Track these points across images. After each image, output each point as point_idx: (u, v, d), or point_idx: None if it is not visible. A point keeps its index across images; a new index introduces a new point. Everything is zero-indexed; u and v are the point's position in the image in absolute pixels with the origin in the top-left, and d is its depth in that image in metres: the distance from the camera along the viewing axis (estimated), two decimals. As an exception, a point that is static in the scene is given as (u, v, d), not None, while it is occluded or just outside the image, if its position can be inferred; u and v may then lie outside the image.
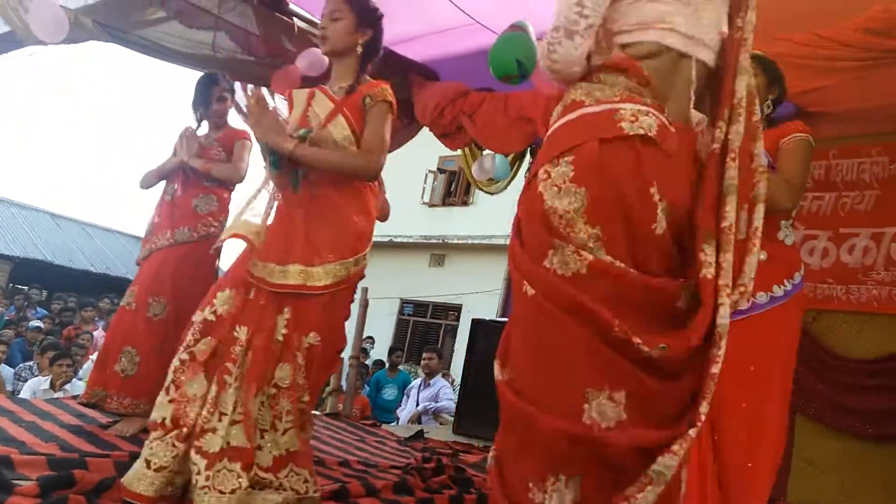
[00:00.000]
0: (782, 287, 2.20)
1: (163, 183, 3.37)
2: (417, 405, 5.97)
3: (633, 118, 1.35)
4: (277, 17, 4.05)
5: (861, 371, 3.62)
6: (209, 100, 3.42)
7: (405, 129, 5.23)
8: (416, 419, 5.81)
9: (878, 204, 3.70)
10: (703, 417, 1.25)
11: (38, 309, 8.53)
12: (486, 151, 5.12)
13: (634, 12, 1.44)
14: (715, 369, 1.27)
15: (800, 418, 3.80)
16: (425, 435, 4.29)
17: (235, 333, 2.00)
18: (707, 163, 1.41)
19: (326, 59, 3.90)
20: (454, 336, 12.41)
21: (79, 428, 2.91)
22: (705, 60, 1.46)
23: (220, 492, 1.85)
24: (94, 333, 7.21)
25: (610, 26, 1.45)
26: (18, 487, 1.84)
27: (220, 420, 1.92)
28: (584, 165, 1.34)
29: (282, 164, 2.12)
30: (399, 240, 12.95)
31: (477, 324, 5.00)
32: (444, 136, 4.67)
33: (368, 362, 8.27)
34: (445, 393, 6.00)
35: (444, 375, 6.82)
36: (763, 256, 1.59)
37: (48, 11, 3.12)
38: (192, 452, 1.90)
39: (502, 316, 5.50)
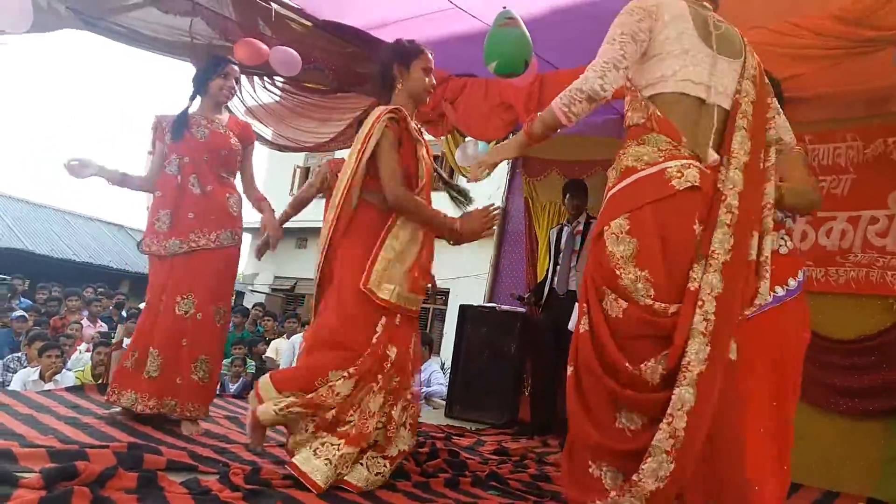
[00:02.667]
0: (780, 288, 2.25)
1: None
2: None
3: (679, 174, 1.77)
4: (254, 1, 4.04)
5: (842, 350, 3.72)
6: (215, 75, 3.22)
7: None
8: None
9: (854, 188, 3.78)
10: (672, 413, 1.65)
11: (22, 299, 8.47)
12: (469, 137, 5.15)
13: (655, 68, 1.84)
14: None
15: (784, 397, 3.92)
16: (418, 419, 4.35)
17: (388, 352, 2.42)
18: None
19: (299, 60, 3.96)
20: (442, 320, 12.48)
21: (75, 420, 2.95)
22: (722, 105, 1.86)
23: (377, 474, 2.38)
24: (82, 323, 7.20)
25: (637, 83, 1.89)
26: (22, 480, 1.88)
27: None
28: (638, 222, 1.76)
29: None
30: None
31: (465, 309, 5.07)
32: (426, 124, 4.70)
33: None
34: (437, 377, 6.07)
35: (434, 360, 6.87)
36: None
37: (13, 1, 3.10)
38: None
39: (489, 301, 5.57)
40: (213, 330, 3.13)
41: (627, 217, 1.78)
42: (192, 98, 3.25)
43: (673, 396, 1.64)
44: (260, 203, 3.31)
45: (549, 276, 4.62)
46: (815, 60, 3.11)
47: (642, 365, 1.71)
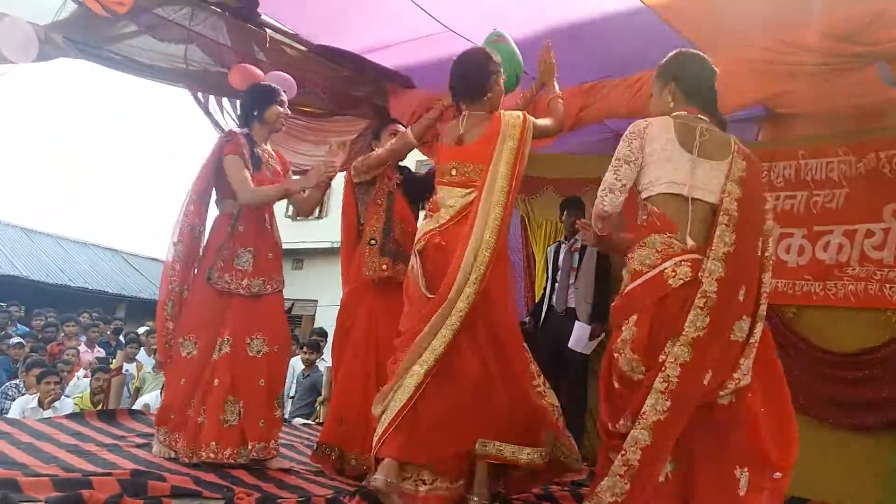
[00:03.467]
0: None
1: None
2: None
3: (673, 272, 2.11)
4: (249, 28, 4.08)
5: (842, 364, 3.72)
6: (275, 102, 3.19)
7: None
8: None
9: (849, 202, 3.81)
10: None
11: (19, 325, 8.44)
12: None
13: (645, 175, 2.25)
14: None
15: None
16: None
17: None
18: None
19: (294, 84, 3.99)
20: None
21: (77, 447, 2.94)
22: (706, 200, 2.19)
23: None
24: (79, 349, 7.18)
25: (637, 189, 2.28)
26: (28, 510, 1.88)
27: None
28: (643, 319, 2.12)
29: None
30: None
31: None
32: (422, 144, 4.74)
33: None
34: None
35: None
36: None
37: (19, 32, 3.12)
38: None
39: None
40: (283, 367, 3.17)
41: (636, 316, 2.14)
42: (244, 125, 3.20)
43: (629, 436, 2.03)
44: None
45: (548, 294, 4.63)
46: (805, 77, 3.15)
47: (619, 420, 2.13)
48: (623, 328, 2.16)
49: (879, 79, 3.05)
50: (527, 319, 4.78)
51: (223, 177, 3.07)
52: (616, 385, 2.17)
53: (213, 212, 3.24)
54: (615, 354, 2.17)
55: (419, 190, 3.38)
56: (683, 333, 2.04)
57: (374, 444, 2.46)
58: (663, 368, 2.03)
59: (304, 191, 3.19)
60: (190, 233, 3.08)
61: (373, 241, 3.15)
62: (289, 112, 3.24)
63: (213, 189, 3.16)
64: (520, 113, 2.73)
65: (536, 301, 4.96)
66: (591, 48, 3.78)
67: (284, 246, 3.37)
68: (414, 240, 2.84)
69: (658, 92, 2.43)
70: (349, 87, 4.59)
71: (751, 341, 2.10)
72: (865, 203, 3.74)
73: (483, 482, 2.52)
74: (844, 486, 3.59)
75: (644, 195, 2.27)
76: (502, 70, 2.81)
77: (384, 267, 3.11)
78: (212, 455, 2.83)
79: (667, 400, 2.00)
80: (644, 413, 2.01)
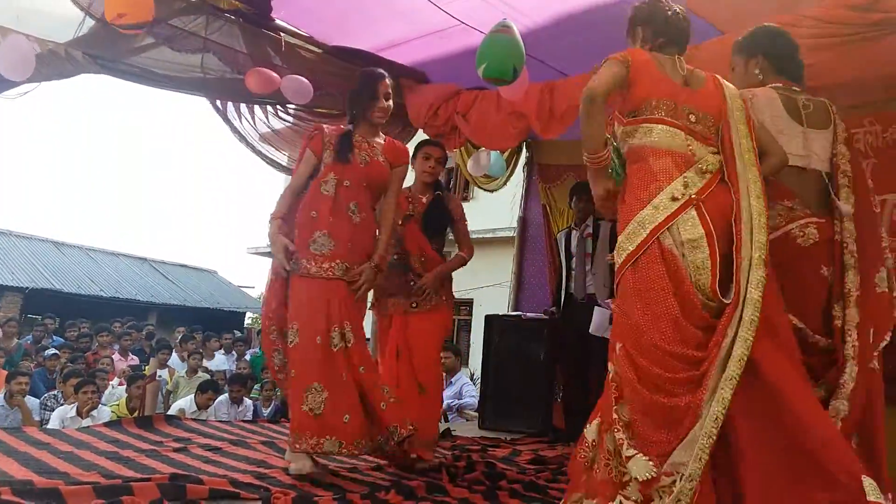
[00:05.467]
0: None
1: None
2: (441, 404, 6.02)
3: (801, 233, 2.17)
4: (264, 33, 4.11)
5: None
6: (374, 96, 3.06)
7: (400, 134, 5.30)
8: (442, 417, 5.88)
9: (876, 172, 3.73)
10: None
11: (55, 337, 8.62)
12: (482, 148, 5.18)
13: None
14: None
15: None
16: (452, 433, 4.36)
17: None
18: None
19: (310, 87, 3.96)
20: (468, 331, 12.49)
21: (116, 454, 2.99)
22: (817, 168, 2.26)
23: None
24: (113, 358, 7.31)
25: None
26: (72, 518, 1.92)
27: None
28: (778, 279, 2.01)
29: None
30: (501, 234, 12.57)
31: (491, 319, 5.07)
32: (438, 138, 4.74)
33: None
34: (468, 390, 6.06)
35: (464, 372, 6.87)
36: None
37: (16, 51, 3.18)
38: None
39: (514, 309, 5.57)
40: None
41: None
42: (351, 121, 3.14)
43: (830, 408, 2.00)
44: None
45: (565, 281, 4.60)
46: (827, 49, 3.09)
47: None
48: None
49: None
50: (553, 309, 4.77)
51: None
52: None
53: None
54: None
55: (439, 225, 3.52)
56: (849, 295, 2.09)
57: None
58: (847, 333, 2.06)
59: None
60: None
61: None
62: (387, 105, 3.10)
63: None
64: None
65: (553, 290, 4.95)
66: (607, 33, 3.72)
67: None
68: (428, 262, 3.20)
69: (743, 67, 2.43)
70: (365, 84, 4.61)
71: (879, 290, 2.14)
72: (892, 173, 3.67)
73: None
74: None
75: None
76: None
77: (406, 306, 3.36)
78: (334, 449, 2.73)
79: (856, 365, 2.04)
80: (843, 383, 2.02)
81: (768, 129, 2.19)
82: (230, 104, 4.38)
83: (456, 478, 2.87)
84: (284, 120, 4.62)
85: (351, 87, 3.23)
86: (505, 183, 5.67)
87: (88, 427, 3.85)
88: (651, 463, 1.78)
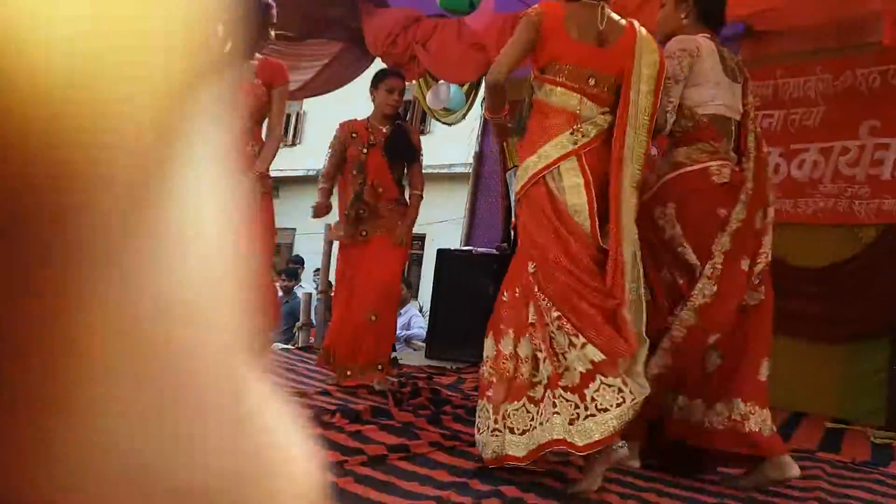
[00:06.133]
0: None
1: None
2: (394, 332, 6.08)
3: (718, 171, 2.34)
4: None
5: (810, 279, 3.81)
6: (375, 88, 3.42)
7: (357, 62, 5.17)
8: (391, 346, 5.96)
9: (825, 120, 3.82)
10: None
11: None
12: (441, 80, 5.09)
13: (696, 94, 2.37)
14: None
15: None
16: (399, 361, 4.43)
17: None
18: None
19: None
20: (420, 265, 12.53)
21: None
22: (733, 117, 2.43)
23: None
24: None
25: (686, 102, 2.37)
26: None
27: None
28: (682, 207, 2.32)
29: None
30: (457, 170, 12.49)
31: (442, 254, 5.10)
32: (397, 67, 4.64)
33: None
34: (416, 321, 6.13)
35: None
36: None
37: None
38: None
39: (466, 245, 5.60)
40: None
41: (672, 204, 2.33)
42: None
43: (676, 317, 2.24)
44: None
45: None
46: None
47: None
48: (657, 212, 2.35)
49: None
50: (504, 245, 4.82)
51: None
52: (679, 281, 2.31)
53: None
54: (678, 248, 2.31)
55: (402, 155, 3.45)
56: (728, 225, 2.28)
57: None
58: (712, 256, 2.26)
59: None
60: None
61: (347, 213, 3.37)
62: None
63: None
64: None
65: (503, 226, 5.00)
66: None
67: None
68: (386, 195, 3.16)
69: (672, 6, 2.44)
70: (323, 7, 4.46)
71: (766, 221, 2.39)
72: (842, 121, 3.76)
73: None
74: (811, 395, 3.75)
75: (698, 110, 2.37)
76: None
77: (355, 238, 3.39)
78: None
79: (714, 285, 2.23)
80: (692, 296, 2.24)
81: (710, 75, 2.37)
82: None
83: (401, 402, 2.92)
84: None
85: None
86: (463, 117, 5.61)
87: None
88: (597, 348, 2.00)
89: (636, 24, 2.26)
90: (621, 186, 2.12)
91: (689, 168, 2.35)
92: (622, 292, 2.06)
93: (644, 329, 2.11)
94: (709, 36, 2.41)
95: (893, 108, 3.63)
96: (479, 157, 5.86)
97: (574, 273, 2.08)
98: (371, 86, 3.47)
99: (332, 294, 3.92)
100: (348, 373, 3.32)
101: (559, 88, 2.20)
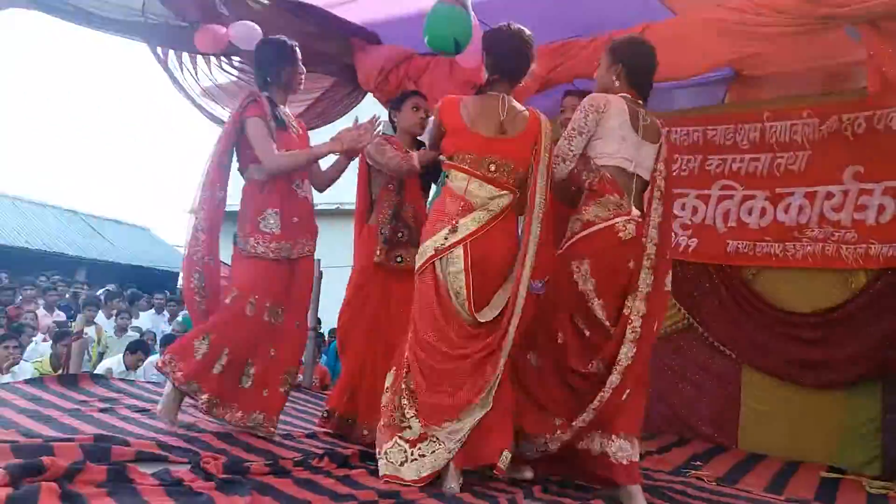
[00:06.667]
0: None
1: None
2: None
3: (623, 228, 2.52)
4: (211, -22, 3.94)
5: (801, 324, 3.83)
6: (288, 63, 3.00)
7: (349, 97, 5.18)
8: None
9: (811, 164, 3.87)
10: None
11: (-26, 289, 8.21)
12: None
13: (601, 147, 2.57)
14: None
15: (747, 369, 4.02)
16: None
17: None
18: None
19: (260, 33, 3.78)
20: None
21: (37, 413, 2.87)
22: (642, 176, 2.61)
23: None
24: (38, 313, 7.02)
25: (591, 154, 2.59)
26: (-14, 477, 1.83)
27: None
28: (596, 263, 2.52)
29: None
30: (347, 206, 12.71)
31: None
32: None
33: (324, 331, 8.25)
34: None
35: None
36: None
37: None
38: None
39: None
40: (301, 341, 3.07)
41: (588, 260, 2.52)
42: (263, 85, 3.00)
43: (608, 380, 2.44)
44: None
45: None
46: (774, 39, 3.15)
47: (591, 363, 2.53)
48: (574, 266, 2.53)
49: (847, 34, 3.07)
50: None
51: (246, 141, 2.90)
52: (586, 333, 2.54)
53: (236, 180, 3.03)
54: (588, 303, 2.52)
55: (433, 175, 3.31)
56: (639, 290, 2.49)
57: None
58: (630, 321, 2.46)
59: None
60: (211, 199, 2.92)
61: (382, 232, 3.11)
62: (303, 70, 3.07)
63: (235, 154, 2.99)
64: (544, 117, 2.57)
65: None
66: (565, 6, 3.72)
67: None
68: (422, 223, 2.74)
69: (606, 67, 2.69)
70: (315, 43, 4.46)
71: (666, 289, 2.58)
72: (827, 165, 3.81)
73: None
74: (806, 442, 3.74)
75: (599, 162, 2.57)
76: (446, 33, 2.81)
77: (390, 257, 3.11)
78: (229, 416, 2.82)
79: (634, 347, 2.43)
80: (619, 360, 2.43)
81: (616, 131, 2.55)
82: (172, 53, 4.19)
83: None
84: (228, 73, 4.45)
85: (263, 55, 3.05)
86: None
87: (8, 383, 3.69)
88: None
89: (538, 113, 2.55)
90: (523, 269, 2.41)
91: (598, 227, 2.52)
92: (497, 357, 2.38)
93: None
94: (629, 97, 2.61)
95: (877, 153, 3.69)
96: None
97: (435, 347, 2.42)
98: (392, 108, 3.38)
99: (338, 339, 3.50)
100: (365, 432, 2.99)
101: (461, 174, 2.49)
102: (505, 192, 2.48)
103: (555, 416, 2.56)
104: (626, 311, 2.49)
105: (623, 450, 2.44)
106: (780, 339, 3.87)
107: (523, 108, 2.56)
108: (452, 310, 2.45)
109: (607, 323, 2.53)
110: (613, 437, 2.46)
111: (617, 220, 2.52)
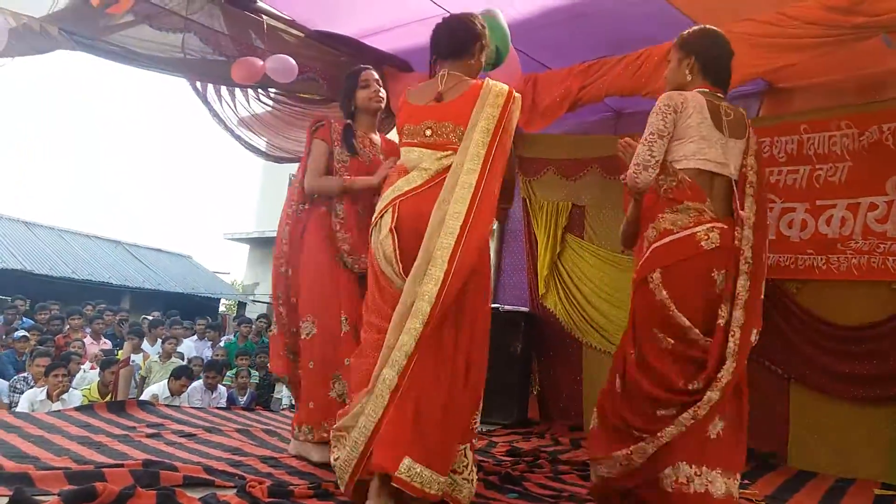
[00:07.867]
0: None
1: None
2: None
3: (706, 236, 2.31)
4: (246, 15, 4.06)
5: (849, 338, 3.73)
6: (356, 87, 3.06)
7: (383, 123, 5.26)
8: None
9: (851, 175, 3.79)
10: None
11: (25, 319, 8.46)
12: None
13: (679, 149, 2.37)
14: None
15: (795, 385, 3.92)
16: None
17: None
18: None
19: (295, 66, 3.86)
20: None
21: (87, 439, 2.95)
22: (726, 174, 2.38)
23: None
24: (84, 341, 7.20)
25: (668, 158, 2.38)
26: (42, 503, 1.89)
27: None
28: (671, 275, 2.31)
29: None
30: None
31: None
32: (340, 92, 4.72)
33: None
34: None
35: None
36: None
37: None
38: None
39: (493, 302, 5.55)
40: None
41: (659, 270, 2.33)
42: (347, 115, 3.11)
43: (705, 396, 2.22)
44: None
45: None
46: (807, 49, 3.12)
47: (689, 383, 2.27)
48: (648, 280, 2.35)
49: (883, 43, 3.03)
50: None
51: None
52: (672, 342, 2.30)
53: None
54: (670, 315, 2.29)
55: None
56: (738, 297, 2.27)
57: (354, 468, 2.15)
58: (733, 333, 2.24)
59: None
60: (294, 214, 3.11)
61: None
62: (381, 93, 3.11)
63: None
64: (506, 85, 2.39)
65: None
66: (591, 26, 3.75)
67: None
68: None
69: (676, 63, 2.51)
70: (346, 70, 4.57)
71: (762, 297, 2.35)
72: (868, 176, 3.73)
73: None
74: (858, 459, 3.62)
75: (678, 165, 2.37)
76: (487, 41, 2.57)
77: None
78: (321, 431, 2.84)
79: (734, 362, 2.22)
80: (721, 377, 2.21)
81: (695, 130, 2.34)
82: (210, 86, 4.32)
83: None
84: (265, 104, 4.57)
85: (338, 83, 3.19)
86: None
87: (59, 411, 3.79)
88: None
89: (490, 82, 2.36)
90: (431, 224, 2.17)
91: (676, 236, 2.33)
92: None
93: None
94: (707, 91, 2.42)
95: (920, 162, 3.60)
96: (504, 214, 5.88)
97: (375, 325, 2.28)
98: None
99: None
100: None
101: (405, 147, 2.41)
102: (447, 152, 2.29)
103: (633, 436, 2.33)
104: (720, 322, 2.26)
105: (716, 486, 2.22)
106: (828, 353, 3.77)
107: (474, 81, 2.40)
108: (385, 280, 2.27)
109: (698, 333, 2.30)
110: (705, 468, 2.23)
111: (698, 228, 2.31)
